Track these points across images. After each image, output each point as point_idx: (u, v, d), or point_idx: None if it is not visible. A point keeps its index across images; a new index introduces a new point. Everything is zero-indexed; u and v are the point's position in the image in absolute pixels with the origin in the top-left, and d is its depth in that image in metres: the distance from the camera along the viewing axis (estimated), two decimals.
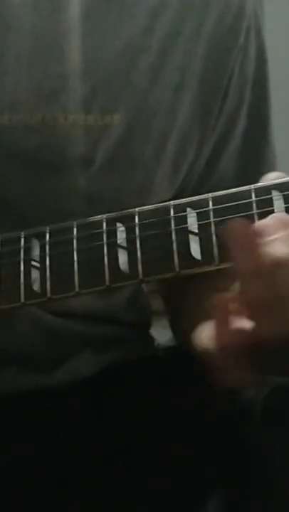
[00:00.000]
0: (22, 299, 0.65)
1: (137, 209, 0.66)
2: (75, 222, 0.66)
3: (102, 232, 0.65)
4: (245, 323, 0.61)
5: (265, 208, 0.63)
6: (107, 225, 0.65)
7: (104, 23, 0.77)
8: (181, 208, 0.65)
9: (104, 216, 0.66)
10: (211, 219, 0.64)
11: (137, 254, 0.64)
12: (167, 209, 0.65)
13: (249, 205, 0.63)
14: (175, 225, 0.64)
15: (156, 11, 0.79)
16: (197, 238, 0.64)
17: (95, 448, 0.79)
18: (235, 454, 0.78)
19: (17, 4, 0.76)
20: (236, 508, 0.74)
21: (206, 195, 0.65)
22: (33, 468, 0.78)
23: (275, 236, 0.59)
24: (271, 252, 0.59)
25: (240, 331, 0.61)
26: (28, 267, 0.66)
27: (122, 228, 0.65)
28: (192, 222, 0.64)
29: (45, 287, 0.65)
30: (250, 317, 0.61)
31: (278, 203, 0.63)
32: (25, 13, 0.76)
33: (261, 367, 0.62)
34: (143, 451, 0.78)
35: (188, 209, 0.64)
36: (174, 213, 0.65)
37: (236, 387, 0.63)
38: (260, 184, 0.64)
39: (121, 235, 0.65)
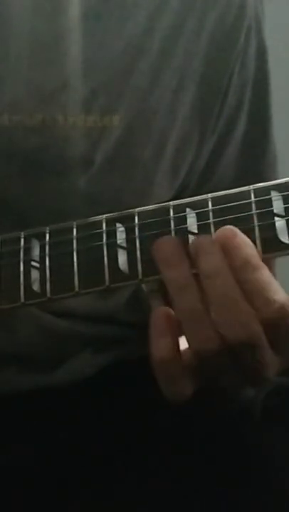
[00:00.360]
0: (22, 299, 0.65)
1: (136, 209, 0.66)
2: (74, 223, 0.66)
3: (102, 232, 0.65)
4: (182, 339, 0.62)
5: (265, 209, 0.63)
6: (106, 226, 0.65)
7: (105, 23, 0.77)
8: (180, 209, 0.65)
9: (104, 216, 0.66)
10: (211, 219, 0.64)
11: (136, 255, 0.64)
12: (167, 209, 0.65)
13: (248, 206, 0.63)
14: (175, 226, 0.64)
15: (156, 12, 0.79)
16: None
17: (95, 448, 0.79)
18: (235, 454, 0.78)
19: (17, 5, 0.76)
20: (236, 508, 0.74)
21: (205, 195, 0.65)
22: (33, 468, 0.78)
23: (205, 251, 0.60)
24: (200, 266, 0.60)
25: (174, 345, 0.61)
26: (27, 267, 0.66)
27: (122, 228, 0.65)
28: (192, 222, 0.64)
29: (45, 287, 0.65)
30: (184, 333, 0.61)
31: (277, 204, 0.63)
32: (26, 14, 0.76)
33: (200, 380, 0.62)
34: (143, 451, 0.78)
35: (188, 209, 0.64)
36: (174, 214, 0.64)
37: (178, 402, 0.62)
38: (259, 185, 0.64)
39: (121, 236, 0.65)
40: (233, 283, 0.59)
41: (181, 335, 0.62)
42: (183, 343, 0.62)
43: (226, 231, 0.61)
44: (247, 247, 0.60)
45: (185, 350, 0.61)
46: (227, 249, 0.60)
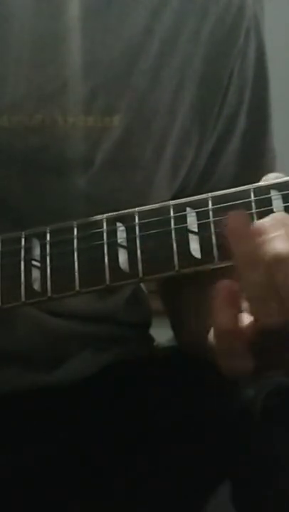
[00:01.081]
0: (22, 298, 0.65)
1: (137, 209, 0.66)
2: (75, 222, 0.66)
3: (103, 231, 0.65)
4: (244, 314, 0.62)
5: (264, 208, 0.63)
6: (107, 225, 0.66)
7: (104, 24, 0.77)
8: (180, 208, 0.65)
9: (105, 216, 0.66)
10: (211, 218, 0.64)
11: (137, 254, 0.64)
12: (167, 209, 0.65)
13: (248, 205, 0.63)
14: (175, 225, 0.64)
15: (156, 12, 0.79)
16: (197, 237, 0.64)
17: (94, 448, 0.79)
18: (235, 453, 0.78)
19: (17, 6, 0.76)
20: (236, 507, 0.74)
21: (205, 194, 0.65)
22: (33, 468, 0.78)
23: (275, 234, 0.59)
24: (271, 247, 0.59)
25: (238, 318, 0.61)
26: (28, 267, 0.66)
27: (122, 228, 0.65)
28: (192, 221, 0.64)
29: (46, 287, 0.65)
30: (250, 308, 0.61)
31: (277, 203, 0.63)
32: (26, 14, 0.76)
33: (261, 359, 0.62)
34: (143, 450, 0.78)
35: (188, 209, 0.65)
36: (174, 213, 0.65)
37: (237, 377, 0.62)
38: (259, 184, 0.64)
39: (121, 235, 0.65)
40: None
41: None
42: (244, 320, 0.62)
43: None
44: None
45: (247, 327, 0.61)
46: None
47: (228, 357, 0.61)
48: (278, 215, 0.62)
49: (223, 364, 0.62)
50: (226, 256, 0.62)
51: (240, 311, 0.61)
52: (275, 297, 0.59)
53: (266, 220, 0.61)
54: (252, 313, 0.61)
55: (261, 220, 0.61)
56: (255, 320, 0.61)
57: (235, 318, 0.61)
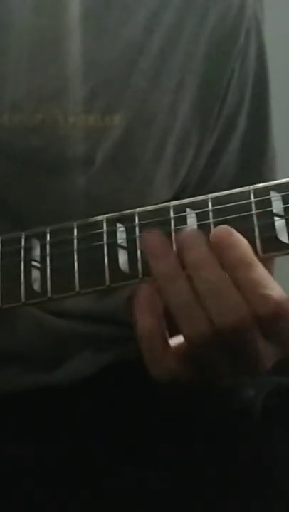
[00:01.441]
0: (22, 299, 0.66)
1: (137, 209, 0.66)
2: (75, 223, 0.66)
3: (103, 232, 0.66)
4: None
5: (264, 209, 0.63)
6: (107, 226, 0.66)
7: (105, 24, 0.77)
8: (180, 209, 0.65)
9: (105, 216, 0.66)
10: (211, 219, 0.64)
11: (136, 254, 0.65)
12: (167, 210, 0.65)
13: (248, 206, 0.63)
14: (175, 226, 0.64)
15: (156, 12, 0.79)
16: None
17: (94, 448, 0.79)
18: (235, 454, 0.78)
19: (17, 6, 0.76)
20: (236, 508, 0.74)
21: (205, 196, 0.65)
22: (33, 468, 0.78)
23: (188, 244, 0.62)
24: (186, 259, 0.61)
25: (158, 321, 0.63)
26: (28, 267, 0.66)
27: (122, 228, 0.65)
28: (192, 222, 0.64)
29: (46, 287, 0.65)
30: (177, 323, 0.62)
31: (277, 204, 0.63)
32: (26, 14, 0.76)
33: (196, 370, 0.63)
34: (143, 450, 0.78)
35: (188, 210, 0.65)
36: (174, 214, 0.65)
37: (160, 378, 0.64)
38: (259, 185, 0.64)
39: (121, 235, 0.65)
40: (218, 273, 0.61)
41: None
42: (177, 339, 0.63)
43: (220, 230, 0.62)
44: (241, 245, 0.61)
45: (180, 342, 0.63)
46: (221, 248, 0.61)
47: (152, 358, 0.63)
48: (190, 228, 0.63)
49: (148, 366, 0.64)
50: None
51: (161, 314, 0.63)
52: (197, 310, 0.61)
53: (181, 235, 0.63)
54: (180, 327, 0.62)
55: (176, 235, 0.63)
56: (183, 335, 0.62)
57: (157, 320, 0.63)
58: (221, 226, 0.62)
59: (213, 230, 0.62)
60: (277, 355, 0.63)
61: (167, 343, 0.63)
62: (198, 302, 0.61)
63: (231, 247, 0.61)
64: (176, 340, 0.64)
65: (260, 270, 0.61)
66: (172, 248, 0.63)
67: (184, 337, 0.62)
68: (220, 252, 0.61)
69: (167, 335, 0.63)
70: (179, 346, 0.63)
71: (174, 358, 0.63)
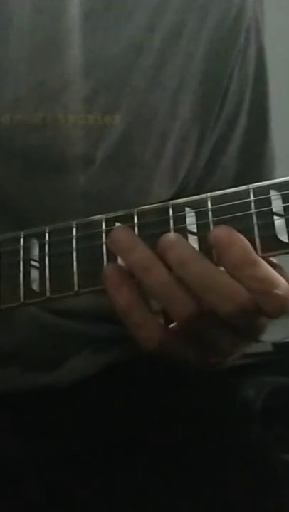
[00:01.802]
0: (21, 299, 0.65)
1: (136, 209, 0.66)
2: (74, 222, 0.66)
3: (102, 231, 0.65)
4: None
5: (264, 208, 0.63)
6: (106, 225, 0.66)
7: (105, 23, 0.77)
8: (180, 208, 0.65)
9: (104, 216, 0.66)
10: (210, 219, 0.64)
11: None
12: (166, 209, 0.65)
13: (247, 205, 0.63)
14: (174, 225, 0.64)
15: (156, 12, 0.79)
16: (196, 238, 0.64)
17: (95, 447, 0.79)
18: (235, 453, 0.78)
19: (18, 5, 0.76)
20: (236, 507, 0.74)
21: (204, 195, 0.65)
22: (34, 467, 0.78)
23: (169, 245, 0.63)
24: (169, 259, 0.62)
25: (134, 292, 0.64)
26: (27, 267, 0.66)
27: None
28: (191, 221, 0.64)
29: (45, 287, 0.65)
30: (163, 307, 0.64)
31: (276, 203, 0.63)
32: (27, 13, 0.76)
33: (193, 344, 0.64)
34: (143, 450, 0.78)
35: (187, 209, 0.65)
36: (173, 213, 0.65)
37: (149, 346, 0.65)
38: (258, 184, 0.64)
39: None
40: (204, 265, 0.61)
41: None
42: None
43: (219, 229, 0.62)
44: (242, 244, 0.61)
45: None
46: (221, 248, 0.61)
47: (136, 329, 0.64)
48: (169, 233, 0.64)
49: (135, 337, 0.64)
50: None
51: (135, 287, 0.63)
52: (179, 290, 0.61)
53: (160, 239, 0.63)
54: (167, 311, 0.63)
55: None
56: (171, 317, 0.63)
57: (131, 293, 0.63)
58: (220, 225, 0.62)
59: (212, 230, 0.62)
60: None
61: (148, 312, 0.63)
62: (178, 283, 0.61)
63: (232, 246, 0.61)
64: None
65: (264, 268, 0.61)
66: (139, 239, 0.63)
67: (174, 319, 0.63)
68: (221, 251, 0.61)
69: (147, 304, 0.64)
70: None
71: (164, 329, 0.64)
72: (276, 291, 0.61)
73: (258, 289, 0.61)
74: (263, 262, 0.61)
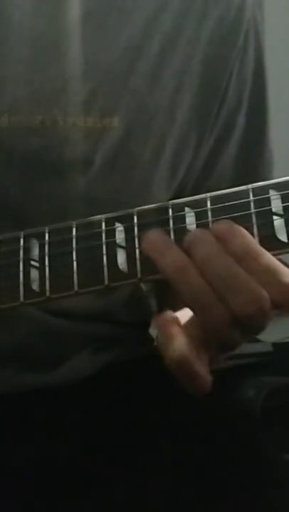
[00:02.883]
0: (21, 299, 0.65)
1: (136, 209, 0.66)
2: (74, 222, 0.66)
3: (101, 231, 0.66)
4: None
5: (263, 208, 0.63)
6: (106, 225, 0.66)
7: (104, 25, 0.77)
8: (179, 208, 0.65)
9: (104, 216, 0.66)
10: (210, 218, 0.64)
11: (135, 254, 0.65)
12: (166, 209, 0.65)
13: (247, 205, 0.63)
14: (174, 225, 0.64)
15: (155, 14, 0.79)
16: None
17: (94, 447, 0.79)
18: (236, 454, 0.78)
19: (17, 7, 0.76)
20: (236, 507, 0.74)
21: (204, 194, 0.65)
22: (33, 467, 0.78)
23: (195, 241, 0.62)
24: (195, 256, 0.62)
25: (186, 341, 0.63)
26: (27, 267, 0.66)
27: (121, 228, 0.65)
28: (191, 221, 0.64)
29: (45, 287, 0.65)
30: (194, 312, 0.63)
31: (276, 202, 0.63)
32: (26, 15, 0.76)
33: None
34: (143, 450, 0.78)
35: (187, 208, 0.65)
36: (173, 213, 0.65)
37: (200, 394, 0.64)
38: (257, 184, 0.64)
39: (120, 235, 0.65)
40: (230, 263, 0.61)
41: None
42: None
43: (219, 223, 0.62)
44: (244, 234, 0.62)
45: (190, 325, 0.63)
46: (225, 240, 0.61)
47: (190, 381, 0.63)
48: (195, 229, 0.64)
49: (186, 388, 0.64)
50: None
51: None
52: (213, 297, 0.61)
53: (187, 235, 0.63)
54: (197, 316, 0.62)
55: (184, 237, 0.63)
56: (204, 325, 0.62)
57: (186, 343, 0.62)
58: (221, 220, 0.63)
59: (213, 225, 0.63)
60: None
61: (199, 359, 0.62)
62: (211, 290, 0.61)
63: (235, 237, 0.61)
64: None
65: (268, 258, 0.61)
66: (172, 242, 0.63)
67: (201, 325, 0.62)
68: (225, 243, 0.61)
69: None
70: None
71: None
72: (283, 279, 0.61)
73: (263, 280, 0.61)
74: (265, 252, 0.62)
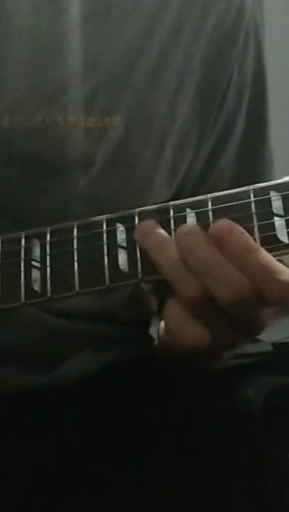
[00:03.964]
0: (22, 299, 0.66)
1: (137, 209, 0.66)
2: (75, 223, 0.67)
3: (102, 232, 0.66)
4: None
5: (264, 209, 0.63)
6: (107, 225, 0.66)
7: (105, 25, 0.77)
8: (180, 209, 0.65)
9: (105, 216, 0.66)
10: (210, 219, 0.64)
11: (136, 254, 0.65)
12: (167, 209, 0.65)
13: (248, 206, 0.64)
14: (175, 226, 0.64)
15: (156, 13, 0.79)
16: None
17: (94, 447, 0.79)
18: (236, 453, 0.78)
19: (18, 6, 0.76)
20: (237, 507, 0.74)
21: (205, 195, 0.65)
22: (33, 467, 0.78)
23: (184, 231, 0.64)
24: (180, 242, 0.63)
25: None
26: (28, 267, 0.66)
27: (122, 228, 0.66)
28: (191, 222, 0.64)
29: (46, 287, 0.65)
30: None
31: (276, 203, 0.63)
32: (26, 15, 0.76)
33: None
34: (143, 450, 0.78)
35: (188, 209, 0.65)
36: (174, 214, 0.65)
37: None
38: (258, 185, 0.64)
39: (121, 235, 0.65)
40: (208, 250, 0.62)
41: None
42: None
43: (219, 222, 0.63)
44: (242, 233, 0.62)
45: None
46: (222, 237, 0.62)
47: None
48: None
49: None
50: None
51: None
52: (187, 269, 0.63)
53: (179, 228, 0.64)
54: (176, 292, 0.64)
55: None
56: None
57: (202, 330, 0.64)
58: (218, 220, 0.63)
59: (213, 224, 0.63)
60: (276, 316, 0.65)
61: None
62: (187, 267, 0.62)
63: (232, 235, 0.62)
64: None
65: (265, 255, 0.62)
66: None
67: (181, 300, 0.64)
68: (221, 241, 0.62)
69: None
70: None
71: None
72: (278, 277, 0.61)
73: (260, 276, 0.61)
74: (263, 249, 0.62)
